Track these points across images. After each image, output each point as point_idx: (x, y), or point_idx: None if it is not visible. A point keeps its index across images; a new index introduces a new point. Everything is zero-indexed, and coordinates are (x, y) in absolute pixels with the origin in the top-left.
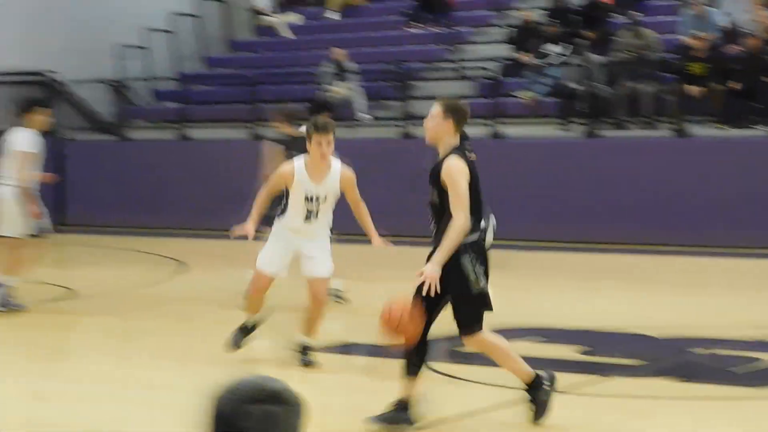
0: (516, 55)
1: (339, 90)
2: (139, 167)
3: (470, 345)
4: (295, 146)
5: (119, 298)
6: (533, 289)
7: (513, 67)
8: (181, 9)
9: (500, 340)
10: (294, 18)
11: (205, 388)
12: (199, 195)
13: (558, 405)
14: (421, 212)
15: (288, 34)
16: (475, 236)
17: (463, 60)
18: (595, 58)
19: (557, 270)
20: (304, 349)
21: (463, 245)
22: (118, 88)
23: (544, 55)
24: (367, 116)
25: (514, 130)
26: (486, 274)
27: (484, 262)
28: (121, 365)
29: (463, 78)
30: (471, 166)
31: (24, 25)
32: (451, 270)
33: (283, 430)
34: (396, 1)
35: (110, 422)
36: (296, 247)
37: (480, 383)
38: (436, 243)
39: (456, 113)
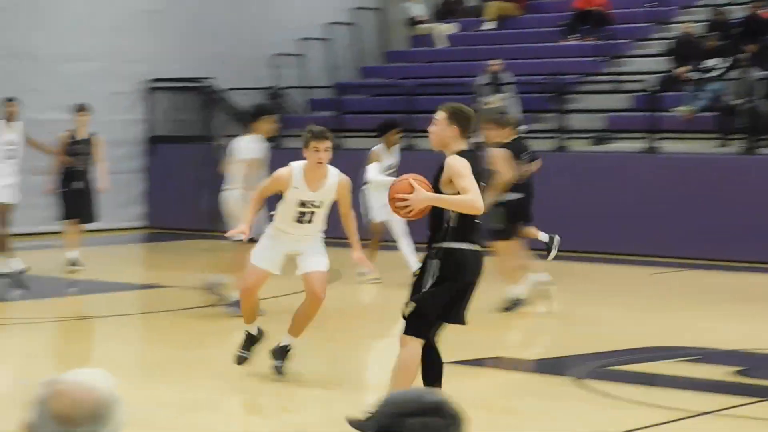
0: (674, 68)
1: (494, 102)
2: None
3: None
4: (516, 149)
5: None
6: (688, 308)
7: (671, 81)
8: (337, 18)
9: (412, 363)
10: (450, 28)
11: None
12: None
13: (711, 426)
14: (578, 224)
15: (443, 44)
16: (457, 245)
17: (620, 73)
18: (756, 72)
19: (711, 289)
20: (283, 352)
21: (436, 249)
22: (274, 96)
23: (703, 69)
24: (523, 128)
25: (670, 145)
26: (448, 287)
27: (453, 275)
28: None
29: (620, 91)
30: (475, 173)
31: (184, 34)
32: (422, 268)
33: None
34: (553, 12)
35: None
36: (289, 248)
37: (632, 402)
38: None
39: (460, 119)
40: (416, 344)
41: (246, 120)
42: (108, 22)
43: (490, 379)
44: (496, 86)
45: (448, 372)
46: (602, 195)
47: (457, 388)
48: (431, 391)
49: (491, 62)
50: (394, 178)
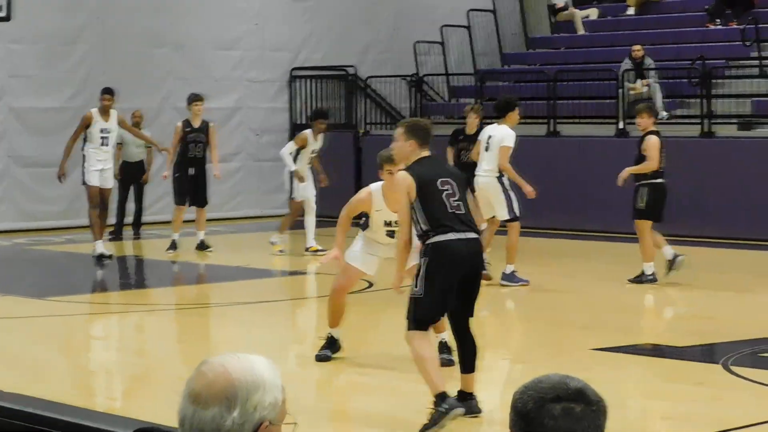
0: None
1: (637, 87)
2: None
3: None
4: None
5: None
6: None
7: None
8: (479, 5)
9: (421, 351)
10: (591, 13)
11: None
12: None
13: None
14: (723, 211)
15: (585, 30)
16: (438, 238)
17: (766, 57)
18: None
19: None
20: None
21: (424, 248)
22: (416, 83)
23: None
24: (666, 114)
25: None
26: (438, 280)
27: (441, 268)
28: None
29: (766, 76)
30: (429, 176)
31: (327, 23)
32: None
33: (584, 428)
34: None
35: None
36: (384, 253)
37: None
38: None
39: (416, 132)
40: (420, 336)
41: (499, 111)
42: (253, 11)
43: (640, 365)
44: (640, 72)
45: (597, 359)
46: (749, 181)
47: (604, 374)
48: (573, 378)
49: (634, 47)
50: (294, 167)
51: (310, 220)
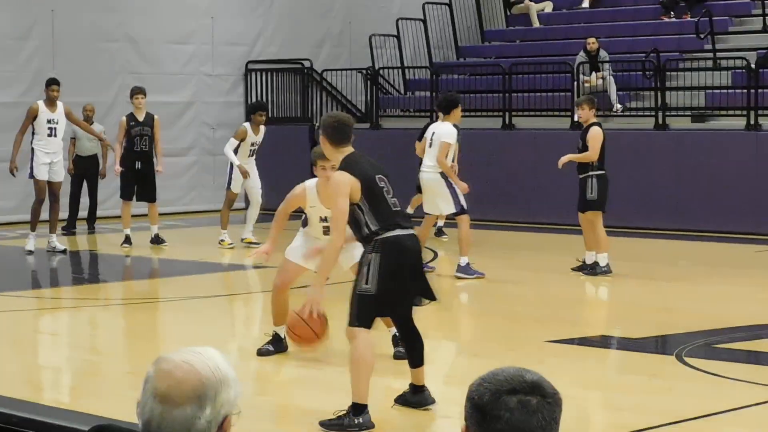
0: None
1: (592, 80)
2: (391, 155)
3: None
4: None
5: None
6: None
7: None
8: None
9: (364, 352)
10: (546, 6)
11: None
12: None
13: None
14: (676, 203)
15: (539, 23)
16: (389, 234)
17: (719, 50)
18: None
19: None
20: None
21: (371, 244)
22: (372, 76)
23: None
24: (620, 106)
25: None
26: (393, 276)
27: (395, 264)
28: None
29: (720, 68)
30: (371, 174)
31: (282, 16)
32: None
33: (540, 420)
34: None
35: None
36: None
37: (737, 380)
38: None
39: (326, 131)
40: (365, 335)
41: (442, 109)
42: (207, 5)
43: (594, 357)
44: (594, 64)
45: (552, 350)
46: (702, 172)
47: (559, 366)
48: (530, 370)
49: (588, 40)
50: (238, 162)
51: (253, 212)
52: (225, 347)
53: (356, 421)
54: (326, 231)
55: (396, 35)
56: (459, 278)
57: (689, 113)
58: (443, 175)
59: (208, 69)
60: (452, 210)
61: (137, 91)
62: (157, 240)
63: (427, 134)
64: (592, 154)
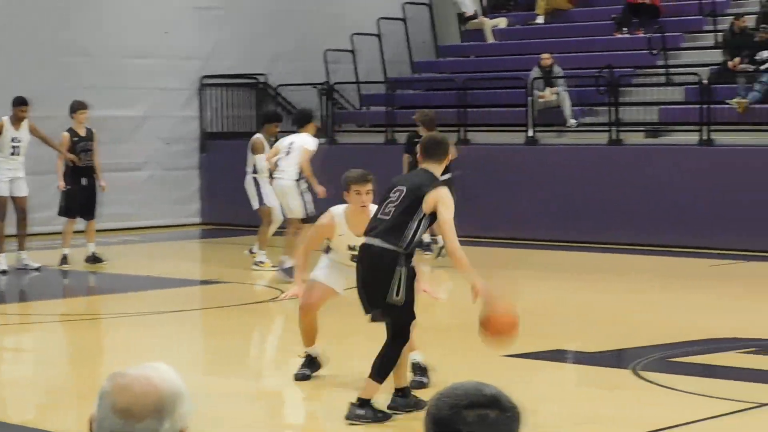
0: (727, 60)
1: (546, 95)
2: (346, 170)
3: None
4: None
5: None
6: (747, 299)
7: (724, 74)
8: (390, 14)
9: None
10: (501, 22)
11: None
12: None
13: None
14: (631, 218)
15: (494, 39)
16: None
17: (673, 66)
18: None
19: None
20: (415, 367)
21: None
22: (327, 91)
23: (757, 62)
24: (575, 122)
25: (724, 137)
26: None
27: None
28: (334, 366)
29: (673, 84)
30: None
31: (237, 30)
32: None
33: None
34: (605, 6)
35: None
36: (347, 274)
37: (693, 393)
38: None
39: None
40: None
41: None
42: (162, 19)
43: (550, 371)
44: (548, 80)
45: (508, 365)
46: (656, 187)
47: (517, 380)
48: (489, 384)
49: (542, 56)
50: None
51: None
52: (178, 362)
53: (381, 414)
54: (353, 258)
55: (351, 50)
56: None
57: (643, 129)
58: (297, 182)
59: (163, 83)
60: (301, 215)
61: (80, 106)
62: (94, 259)
63: (282, 144)
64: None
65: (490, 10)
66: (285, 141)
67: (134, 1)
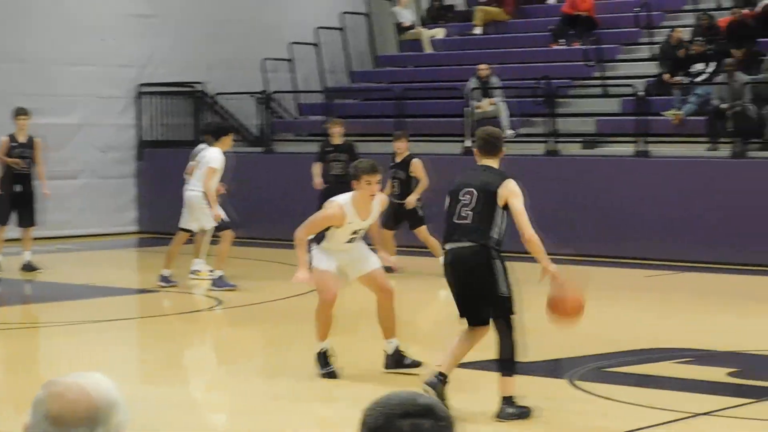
0: (662, 73)
1: (483, 106)
2: (284, 179)
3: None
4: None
5: (265, 309)
6: (682, 310)
7: (659, 85)
8: (327, 23)
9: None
10: (438, 33)
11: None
12: None
13: (706, 427)
14: (567, 229)
15: (432, 49)
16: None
17: (609, 77)
18: (743, 77)
19: (703, 291)
20: (397, 355)
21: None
22: (265, 100)
23: (692, 74)
24: (512, 132)
25: (660, 148)
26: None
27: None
28: (267, 376)
29: (609, 95)
30: None
31: (174, 39)
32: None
33: None
34: (542, 17)
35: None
36: (338, 260)
37: (628, 403)
38: None
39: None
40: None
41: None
42: (98, 27)
43: (486, 381)
44: (486, 91)
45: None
46: (593, 198)
47: (451, 390)
48: (422, 394)
49: (480, 67)
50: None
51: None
52: (115, 371)
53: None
54: (352, 239)
55: (289, 59)
56: (212, 290)
57: (579, 140)
58: (204, 194)
59: (99, 91)
60: (212, 224)
61: (20, 112)
62: (29, 267)
63: (200, 156)
64: (426, 181)
65: (428, 21)
66: (202, 153)
67: (70, 8)
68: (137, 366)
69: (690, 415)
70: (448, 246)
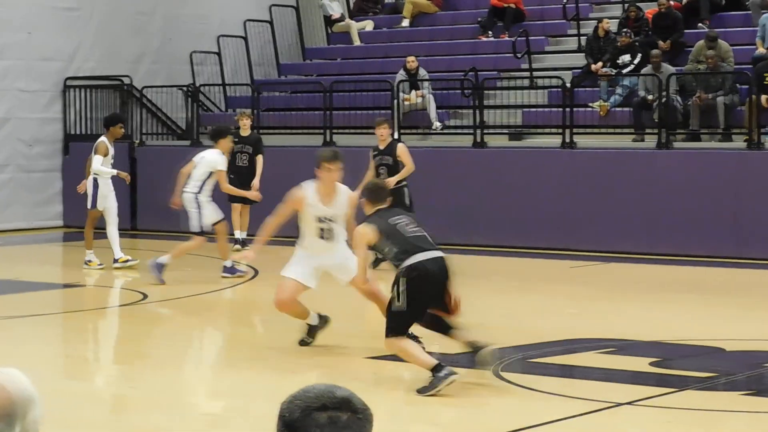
0: (590, 64)
1: (411, 98)
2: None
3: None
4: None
5: (191, 303)
6: (605, 300)
7: (587, 77)
8: (256, 16)
9: (406, 343)
10: (366, 25)
11: (275, 395)
12: (272, 202)
13: (629, 416)
14: (494, 220)
15: (360, 42)
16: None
17: (536, 69)
18: (669, 68)
19: (628, 281)
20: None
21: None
22: (192, 93)
23: (618, 65)
24: (440, 124)
25: (586, 140)
26: (412, 296)
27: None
28: (189, 371)
29: (536, 87)
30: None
31: (100, 32)
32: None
33: None
34: (469, 10)
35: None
36: (320, 263)
37: (551, 394)
38: None
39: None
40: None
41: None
42: (23, 20)
43: (410, 372)
44: (414, 83)
45: (366, 367)
46: (519, 190)
47: (373, 382)
48: (339, 387)
49: (408, 59)
50: (114, 171)
51: (114, 230)
52: (35, 366)
53: (442, 374)
54: (322, 232)
55: (217, 52)
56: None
57: (506, 131)
58: (197, 196)
59: (24, 85)
60: (195, 229)
61: None
62: None
63: (197, 157)
64: (411, 166)
65: (356, 13)
66: (198, 155)
67: None
68: (58, 361)
69: (613, 404)
70: (429, 254)
